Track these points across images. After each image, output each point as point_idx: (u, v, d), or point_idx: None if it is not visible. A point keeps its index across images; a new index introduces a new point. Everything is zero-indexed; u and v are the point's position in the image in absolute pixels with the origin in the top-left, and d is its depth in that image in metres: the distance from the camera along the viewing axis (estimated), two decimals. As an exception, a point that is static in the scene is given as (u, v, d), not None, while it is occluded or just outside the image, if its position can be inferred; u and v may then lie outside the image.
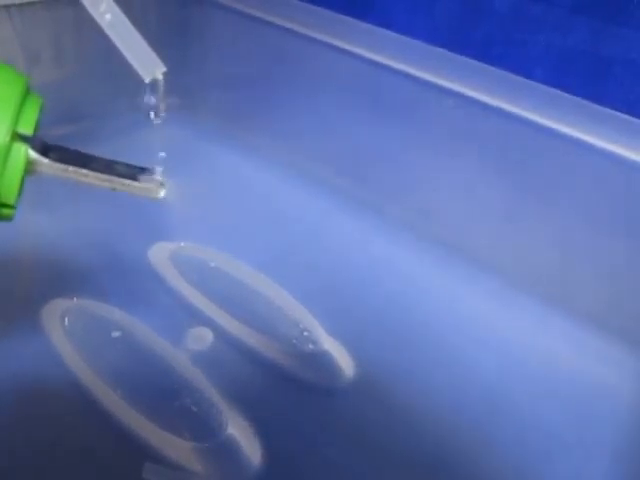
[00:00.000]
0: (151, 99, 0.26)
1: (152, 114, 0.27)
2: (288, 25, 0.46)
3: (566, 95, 0.38)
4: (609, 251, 0.38)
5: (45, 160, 0.23)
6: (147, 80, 0.24)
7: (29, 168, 0.23)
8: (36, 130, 0.23)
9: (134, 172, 0.25)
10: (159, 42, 0.28)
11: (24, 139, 0.22)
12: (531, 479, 0.31)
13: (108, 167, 0.24)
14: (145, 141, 0.28)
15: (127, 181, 0.24)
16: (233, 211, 0.46)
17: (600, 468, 0.32)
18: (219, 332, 0.36)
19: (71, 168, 0.23)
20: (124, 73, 0.26)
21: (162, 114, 0.27)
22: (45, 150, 0.23)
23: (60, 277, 0.38)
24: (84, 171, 0.24)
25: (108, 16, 0.22)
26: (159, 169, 0.25)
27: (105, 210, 0.42)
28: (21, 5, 0.46)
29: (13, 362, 0.33)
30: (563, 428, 0.33)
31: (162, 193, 0.25)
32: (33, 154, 0.23)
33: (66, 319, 0.35)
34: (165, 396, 0.32)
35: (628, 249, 0.37)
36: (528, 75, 0.40)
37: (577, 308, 0.39)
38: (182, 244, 0.41)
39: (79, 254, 0.40)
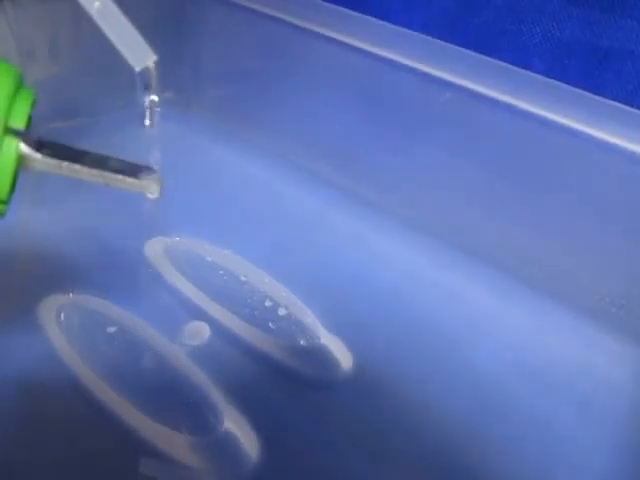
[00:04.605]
0: (144, 96, 0.25)
1: (147, 121, 0.26)
2: (284, 17, 0.46)
3: (564, 86, 0.38)
4: (609, 243, 0.38)
5: (38, 155, 0.23)
6: (137, 69, 0.23)
7: (21, 163, 0.22)
8: (29, 125, 0.23)
9: (128, 168, 0.24)
10: (153, 35, 0.27)
11: (16, 134, 0.22)
12: (530, 473, 0.31)
13: (102, 163, 0.24)
14: (140, 136, 0.28)
15: (121, 177, 0.24)
16: (229, 206, 0.45)
17: (600, 461, 0.32)
18: (216, 327, 0.35)
19: (64, 164, 0.23)
20: (120, 68, 0.26)
21: (157, 109, 0.27)
22: (38, 145, 0.23)
23: (56, 272, 0.38)
24: (77, 167, 0.23)
25: (97, 4, 0.21)
26: (155, 166, 0.25)
27: (101, 205, 0.42)
28: (15, -1, 0.45)
29: (9, 358, 0.32)
30: (563, 422, 0.33)
31: (157, 190, 0.25)
32: (25, 149, 0.22)
33: (62, 314, 0.35)
34: (162, 391, 0.32)
35: (627, 241, 0.37)
36: (526, 66, 0.40)
37: (578, 301, 0.39)
38: (178, 239, 0.41)
39: (75, 249, 0.39)
